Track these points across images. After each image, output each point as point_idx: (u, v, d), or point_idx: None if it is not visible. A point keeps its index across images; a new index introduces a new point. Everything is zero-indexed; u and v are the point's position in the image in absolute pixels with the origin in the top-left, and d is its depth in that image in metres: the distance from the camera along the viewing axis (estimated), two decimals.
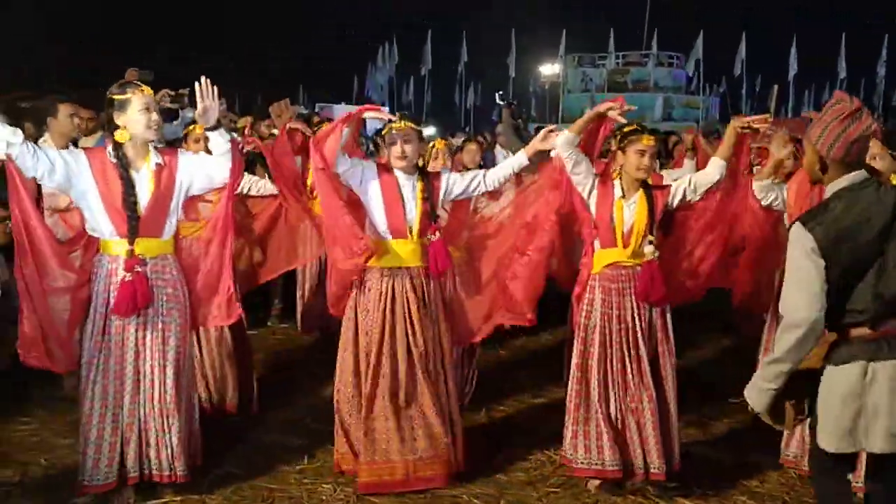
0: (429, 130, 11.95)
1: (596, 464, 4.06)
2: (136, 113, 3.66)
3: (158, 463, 3.81)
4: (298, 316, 6.76)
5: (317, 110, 20.59)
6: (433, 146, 5.37)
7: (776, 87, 11.06)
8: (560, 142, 4.03)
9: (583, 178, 4.07)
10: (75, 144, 5.22)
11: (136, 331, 3.74)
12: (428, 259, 4.08)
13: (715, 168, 4.06)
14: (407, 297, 4.04)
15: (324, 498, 4.01)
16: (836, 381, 2.86)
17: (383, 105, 35.63)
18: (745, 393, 3.02)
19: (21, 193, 3.57)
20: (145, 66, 6.21)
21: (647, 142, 4.02)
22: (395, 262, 4.07)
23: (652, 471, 4.05)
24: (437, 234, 4.09)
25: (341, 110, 20.53)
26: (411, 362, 4.03)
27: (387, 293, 4.04)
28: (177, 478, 3.84)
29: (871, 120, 2.84)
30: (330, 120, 10.43)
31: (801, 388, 2.93)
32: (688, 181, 4.12)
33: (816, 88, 42.85)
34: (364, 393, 4.03)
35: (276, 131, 7.33)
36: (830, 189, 2.90)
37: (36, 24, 32.10)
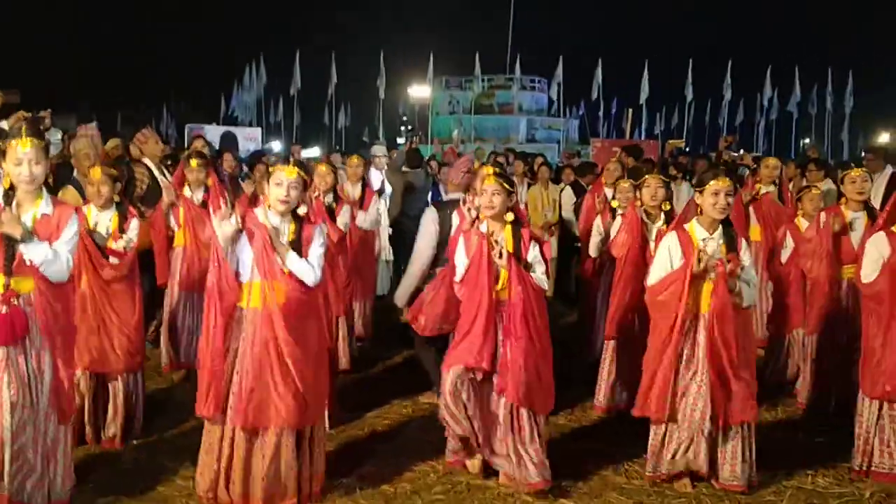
0: (312, 152, 11.97)
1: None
2: (10, 164, 3.59)
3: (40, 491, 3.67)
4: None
5: (187, 132, 20.04)
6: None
7: (630, 109, 11.80)
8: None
9: None
10: None
11: (12, 358, 3.58)
12: None
13: None
14: (276, 338, 3.92)
15: None
16: None
17: (251, 124, 35.10)
18: None
19: None
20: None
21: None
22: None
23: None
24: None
25: (213, 131, 20.08)
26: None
27: (253, 335, 3.93)
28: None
29: None
30: (202, 138, 10.26)
31: None
32: None
33: (667, 111, 45.45)
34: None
35: (147, 160, 7.15)
36: None
37: None
